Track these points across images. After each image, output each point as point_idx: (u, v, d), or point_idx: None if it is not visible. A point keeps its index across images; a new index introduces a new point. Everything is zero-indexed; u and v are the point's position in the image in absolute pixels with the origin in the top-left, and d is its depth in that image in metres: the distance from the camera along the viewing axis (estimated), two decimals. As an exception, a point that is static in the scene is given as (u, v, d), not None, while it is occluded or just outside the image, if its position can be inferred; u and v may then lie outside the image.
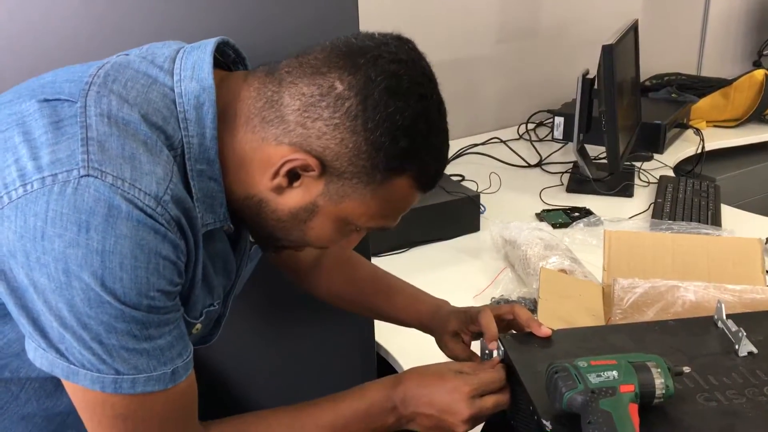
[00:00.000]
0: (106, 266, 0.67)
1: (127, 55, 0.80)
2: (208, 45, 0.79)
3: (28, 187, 0.68)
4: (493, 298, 1.41)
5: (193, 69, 0.77)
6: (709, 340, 0.93)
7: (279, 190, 0.78)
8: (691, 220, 1.73)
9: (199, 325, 0.84)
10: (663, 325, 0.96)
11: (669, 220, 1.73)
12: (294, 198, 0.78)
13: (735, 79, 2.51)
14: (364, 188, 0.77)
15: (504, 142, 2.30)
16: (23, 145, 0.70)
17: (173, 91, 0.76)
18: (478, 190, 1.84)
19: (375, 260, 1.35)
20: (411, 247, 1.63)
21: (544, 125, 2.45)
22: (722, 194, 1.92)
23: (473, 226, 1.72)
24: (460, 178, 1.94)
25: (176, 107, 0.76)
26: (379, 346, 1.33)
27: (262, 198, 0.79)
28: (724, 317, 0.94)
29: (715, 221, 1.76)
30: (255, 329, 1.21)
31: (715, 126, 2.49)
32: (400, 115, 0.74)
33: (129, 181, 0.68)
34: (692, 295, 1.12)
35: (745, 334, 0.90)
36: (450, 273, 1.54)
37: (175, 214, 0.71)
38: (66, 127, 0.70)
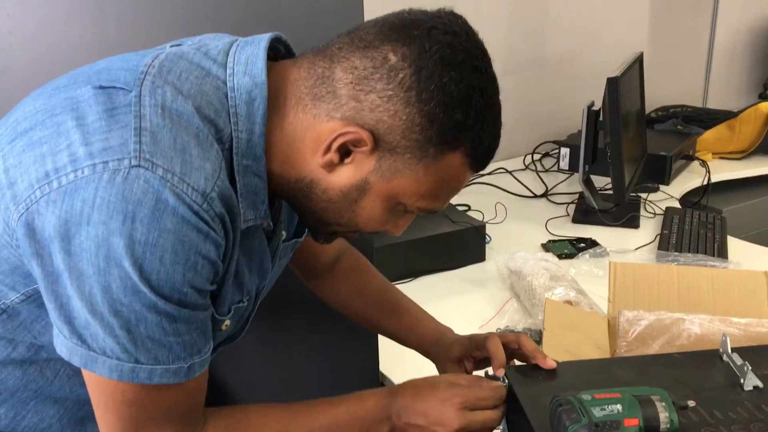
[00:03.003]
0: (147, 258, 0.68)
1: (180, 45, 0.81)
2: (262, 40, 0.80)
3: (79, 173, 0.68)
4: (499, 328, 1.41)
5: (246, 64, 0.77)
6: (714, 373, 0.92)
7: (330, 167, 0.77)
8: (697, 252, 1.73)
9: (228, 322, 0.84)
10: (668, 359, 0.96)
11: (675, 251, 1.73)
12: (345, 175, 0.78)
13: (740, 112, 2.53)
14: (417, 164, 0.76)
15: (510, 172, 2.31)
16: (76, 130, 0.71)
17: (226, 85, 0.77)
18: (484, 220, 1.85)
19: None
20: (417, 276, 1.64)
21: (550, 156, 2.46)
22: (728, 226, 1.92)
23: (479, 256, 1.72)
24: (465, 208, 1.95)
25: (228, 101, 0.76)
26: (383, 376, 1.32)
27: (312, 178, 0.79)
28: (730, 351, 0.94)
29: (722, 253, 1.75)
30: (258, 339, 1.21)
31: (721, 158, 2.49)
32: (455, 86, 0.73)
33: (179, 175, 0.69)
34: (697, 327, 1.12)
35: (750, 368, 0.89)
36: (455, 303, 1.54)
37: (220, 211, 0.72)
38: (120, 115, 0.71)
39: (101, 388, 0.74)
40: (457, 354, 1.02)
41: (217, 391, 1.15)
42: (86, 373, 0.75)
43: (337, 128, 0.75)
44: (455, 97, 0.74)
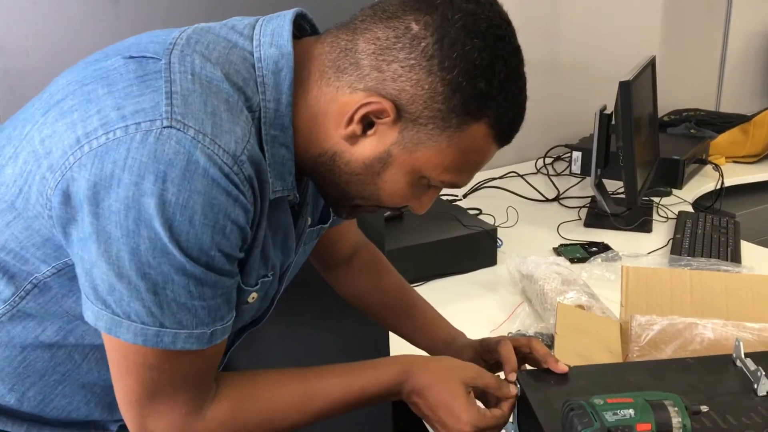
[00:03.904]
0: (177, 218, 0.69)
1: (208, 24, 0.82)
2: (287, 14, 0.81)
3: (110, 135, 0.69)
4: (510, 332, 1.40)
5: (272, 35, 0.78)
6: (727, 378, 0.92)
7: (353, 139, 0.78)
8: (710, 257, 1.72)
9: (254, 294, 0.84)
10: (681, 363, 0.96)
11: (688, 256, 1.72)
12: (368, 147, 0.78)
13: (754, 115, 2.51)
14: (440, 135, 0.76)
15: (521, 176, 2.31)
16: (107, 96, 0.72)
17: (252, 56, 0.77)
18: (495, 224, 1.85)
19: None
20: (428, 280, 1.63)
21: (562, 159, 2.46)
22: (742, 230, 1.91)
23: (490, 260, 1.72)
24: (477, 212, 1.95)
25: (255, 71, 0.77)
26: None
27: (335, 151, 0.79)
28: (743, 356, 0.93)
29: (735, 258, 1.74)
30: (274, 334, 1.22)
31: (734, 162, 2.48)
32: (478, 54, 0.73)
33: (210, 136, 0.70)
34: (710, 332, 1.11)
35: (764, 373, 0.89)
36: (467, 307, 1.54)
37: (249, 174, 0.73)
38: (151, 80, 0.72)
39: (123, 352, 0.75)
40: (469, 358, 1.02)
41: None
42: (107, 338, 0.75)
43: (359, 99, 0.75)
44: (478, 66, 0.73)
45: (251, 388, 0.85)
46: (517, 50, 0.77)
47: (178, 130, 0.69)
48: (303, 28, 0.84)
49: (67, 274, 0.77)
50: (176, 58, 0.74)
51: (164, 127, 0.69)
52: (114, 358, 0.77)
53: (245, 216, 0.73)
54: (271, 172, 0.78)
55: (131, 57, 0.75)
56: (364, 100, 0.75)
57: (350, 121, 0.76)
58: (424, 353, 1.10)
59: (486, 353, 1.00)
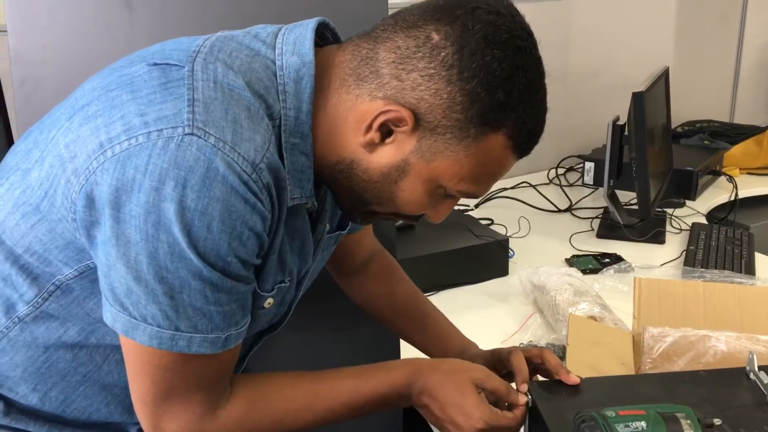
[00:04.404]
0: (195, 224, 0.69)
1: (231, 32, 0.83)
2: (310, 23, 0.81)
3: (133, 140, 0.70)
4: (522, 343, 1.40)
5: (294, 44, 0.79)
6: (740, 391, 0.91)
7: (371, 147, 0.78)
8: (724, 269, 1.70)
9: (271, 300, 0.85)
10: (693, 376, 0.95)
11: (701, 267, 1.71)
12: (386, 155, 0.78)
13: (768, 127, 2.50)
14: (458, 144, 0.76)
15: (534, 186, 2.30)
16: (131, 102, 0.73)
17: (274, 64, 0.78)
18: (507, 234, 1.84)
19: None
20: (439, 290, 1.63)
21: (575, 170, 2.45)
22: (756, 242, 1.90)
23: (502, 270, 1.71)
24: (489, 222, 1.95)
25: (276, 79, 0.78)
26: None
27: (353, 159, 0.79)
28: (756, 369, 0.92)
29: (749, 270, 1.73)
30: (287, 341, 1.22)
31: (748, 173, 2.46)
32: (498, 65, 0.73)
33: (230, 143, 0.71)
34: (724, 345, 1.10)
35: (778, 386, 0.88)
36: (478, 317, 1.53)
37: (267, 182, 0.73)
38: (174, 88, 0.73)
39: (139, 353, 0.76)
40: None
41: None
42: (124, 340, 0.76)
43: (378, 107, 0.76)
44: (498, 77, 0.74)
45: (264, 388, 0.85)
46: (537, 62, 0.77)
47: (199, 137, 0.70)
48: (325, 37, 0.85)
49: (88, 276, 0.78)
50: (199, 65, 0.75)
51: (185, 135, 0.70)
52: (130, 359, 0.78)
53: (263, 223, 0.74)
54: (290, 179, 0.78)
55: (155, 64, 0.76)
56: (383, 108, 0.76)
57: (369, 128, 0.77)
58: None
59: (498, 363, 1.00)
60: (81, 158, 0.73)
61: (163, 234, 0.70)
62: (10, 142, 1.23)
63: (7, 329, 0.82)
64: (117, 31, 1.03)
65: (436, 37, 0.74)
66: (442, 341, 1.10)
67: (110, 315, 0.75)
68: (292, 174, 0.78)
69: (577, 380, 0.92)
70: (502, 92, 0.74)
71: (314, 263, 0.94)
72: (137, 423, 0.90)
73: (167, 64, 0.76)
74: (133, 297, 0.73)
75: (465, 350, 1.07)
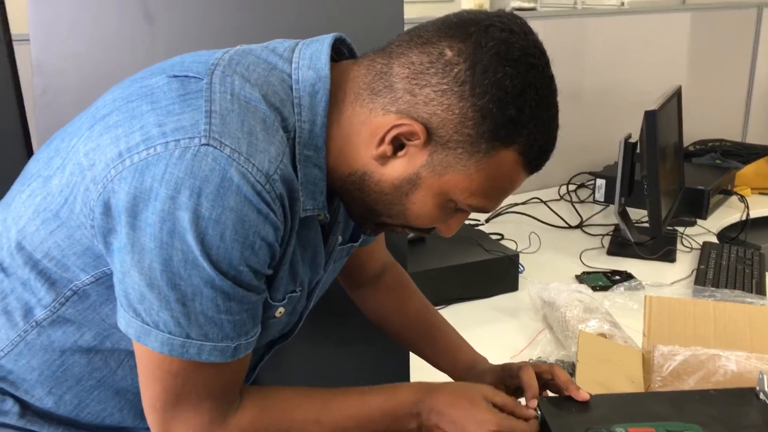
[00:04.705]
0: (209, 233, 0.71)
1: (249, 46, 0.84)
2: (326, 39, 0.83)
3: (151, 150, 0.72)
4: (531, 359, 1.40)
5: (310, 59, 0.80)
6: (750, 411, 0.91)
7: (383, 159, 0.79)
8: (734, 288, 1.70)
9: (282, 309, 0.86)
10: (703, 395, 0.95)
11: (712, 287, 1.70)
12: (397, 168, 0.79)
13: (781, 147, 2.50)
14: (469, 159, 0.77)
15: (545, 202, 2.31)
16: (151, 113, 0.74)
17: (291, 78, 0.80)
18: (518, 250, 1.85)
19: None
20: (449, 303, 1.64)
21: (586, 187, 2.46)
22: (767, 262, 1.89)
23: (511, 285, 1.72)
24: (499, 237, 1.95)
25: (292, 93, 0.79)
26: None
27: (366, 171, 0.80)
28: (766, 389, 0.92)
29: (760, 290, 1.73)
30: (297, 352, 1.22)
31: (760, 193, 2.46)
32: (510, 81, 0.74)
33: (245, 155, 0.72)
34: (734, 365, 1.10)
35: (788, 407, 0.88)
36: (487, 332, 1.53)
37: (280, 192, 0.74)
38: (192, 99, 0.75)
39: (151, 359, 0.77)
40: (490, 382, 1.02)
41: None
42: (137, 345, 0.77)
43: (391, 121, 0.77)
44: (509, 93, 0.74)
45: (273, 400, 0.86)
46: (550, 79, 0.78)
47: (215, 148, 0.71)
48: (341, 52, 0.87)
49: (105, 282, 0.79)
50: (217, 78, 0.76)
51: (202, 145, 0.71)
52: (142, 364, 0.79)
53: (275, 234, 0.75)
54: (303, 191, 0.79)
55: (175, 76, 0.77)
56: (395, 121, 0.77)
57: (381, 141, 0.78)
58: (445, 376, 1.11)
59: (508, 378, 1.00)
60: (100, 166, 0.74)
61: (177, 242, 0.71)
62: (28, 149, 1.24)
63: (24, 333, 0.83)
64: (137, 43, 1.05)
65: (449, 53, 0.75)
66: (452, 355, 1.11)
67: (124, 321, 0.76)
68: (305, 186, 0.80)
69: (587, 396, 0.92)
70: (514, 109, 0.75)
71: (326, 274, 0.94)
72: (149, 429, 0.91)
73: (186, 76, 0.77)
74: (146, 303, 0.74)
75: (475, 365, 1.08)
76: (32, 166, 0.85)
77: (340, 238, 0.94)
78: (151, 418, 0.81)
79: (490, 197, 0.81)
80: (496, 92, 0.74)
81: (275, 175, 0.73)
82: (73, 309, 0.82)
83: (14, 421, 0.86)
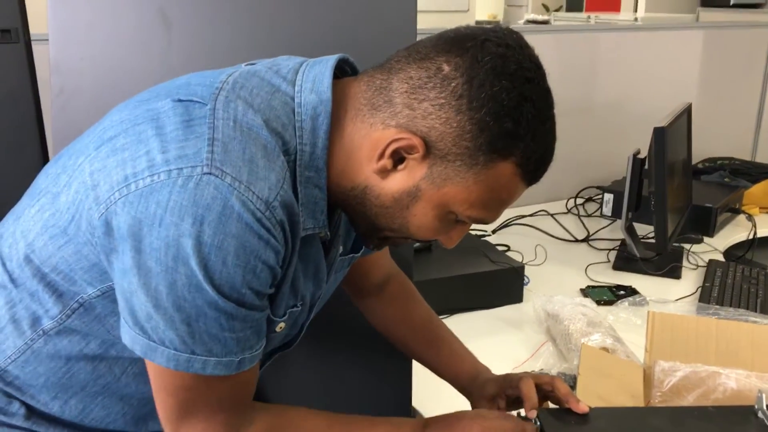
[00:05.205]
0: (212, 259, 0.72)
1: (254, 64, 0.86)
2: (330, 61, 0.85)
3: (155, 177, 0.73)
4: (533, 370, 1.40)
5: (313, 82, 0.82)
6: (748, 429, 0.92)
7: (384, 173, 0.81)
8: (738, 306, 1.70)
9: (282, 324, 0.88)
10: (701, 411, 0.96)
11: (716, 304, 1.71)
12: (398, 182, 0.81)
13: (790, 167, 2.50)
14: (467, 171, 0.78)
15: (552, 215, 2.32)
16: (155, 138, 0.76)
17: (293, 101, 0.81)
18: (523, 262, 1.85)
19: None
20: (453, 313, 1.64)
21: (593, 201, 2.46)
22: (773, 282, 1.89)
23: (516, 297, 1.72)
24: (505, 249, 1.96)
25: (294, 116, 0.81)
26: (415, 411, 1.33)
27: (367, 185, 0.82)
28: (765, 407, 0.93)
29: (764, 309, 1.72)
30: (300, 364, 1.24)
31: (768, 213, 2.46)
32: (506, 95, 0.75)
33: (245, 183, 0.74)
34: (734, 383, 1.11)
35: (786, 426, 0.89)
36: (490, 342, 1.54)
37: (281, 219, 0.76)
38: (195, 126, 0.76)
39: (161, 374, 0.79)
40: (492, 392, 1.03)
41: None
42: (147, 362, 0.80)
43: (391, 135, 0.78)
44: (506, 106, 0.76)
45: (284, 418, 0.88)
46: (546, 92, 0.80)
47: (216, 176, 0.73)
48: (344, 70, 0.88)
49: (110, 296, 0.81)
50: (221, 104, 0.78)
51: (204, 174, 0.73)
52: (154, 380, 0.81)
53: (275, 257, 0.77)
54: (304, 210, 0.81)
55: (180, 100, 0.79)
56: (395, 135, 0.78)
57: (381, 155, 0.80)
58: (447, 391, 1.12)
59: (509, 389, 1.02)
60: (104, 188, 0.76)
61: (181, 266, 0.73)
62: (44, 148, 1.26)
63: (32, 341, 0.85)
64: (154, 47, 1.07)
65: (446, 68, 0.77)
66: (455, 365, 1.12)
67: (129, 337, 0.78)
68: (305, 206, 0.82)
69: (586, 409, 0.93)
70: (511, 121, 0.76)
71: (327, 285, 0.96)
72: (151, 431, 0.93)
73: (191, 101, 0.79)
74: (152, 322, 0.76)
75: (478, 375, 1.09)
76: (41, 181, 0.87)
77: (341, 248, 0.96)
78: (168, 430, 0.82)
79: (490, 209, 0.83)
80: (492, 105, 0.76)
81: (275, 201, 0.75)
82: (79, 320, 0.83)
83: (20, 423, 0.88)
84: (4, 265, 0.85)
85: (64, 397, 0.88)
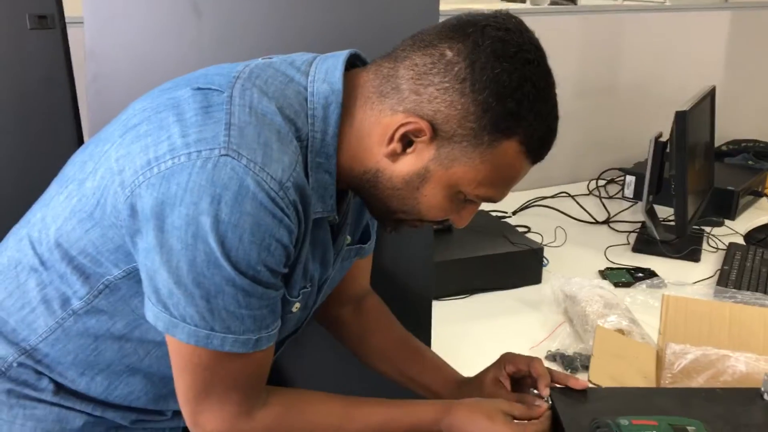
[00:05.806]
0: (229, 236, 0.77)
1: (271, 58, 0.91)
2: (342, 54, 0.89)
3: (176, 159, 0.78)
4: (549, 351, 1.44)
5: (326, 73, 0.87)
6: (754, 411, 0.94)
7: (394, 156, 0.85)
8: (756, 290, 1.71)
9: (297, 304, 0.92)
10: (709, 392, 0.99)
11: (734, 288, 1.72)
12: (407, 164, 0.85)
13: (815, 150, 2.48)
14: (473, 151, 0.82)
15: (573, 196, 2.32)
16: (176, 124, 0.81)
17: (306, 90, 0.86)
18: (543, 243, 1.88)
19: (436, 304, 1.40)
20: (472, 293, 1.68)
21: (615, 183, 2.47)
22: (792, 266, 1.90)
23: (535, 278, 1.75)
24: (525, 230, 1.98)
25: (307, 104, 0.85)
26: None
27: (378, 168, 0.87)
28: (772, 390, 0.96)
29: (782, 293, 1.74)
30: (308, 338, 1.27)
31: (791, 196, 2.45)
32: (507, 76, 0.80)
33: (260, 164, 0.78)
34: (743, 365, 1.14)
35: (790, 408, 0.91)
36: (508, 322, 1.57)
37: (293, 199, 0.80)
38: (214, 112, 0.81)
39: (181, 351, 0.84)
40: (493, 376, 1.06)
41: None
42: (168, 339, 0.84)
43: (399, 120, 0.83)
44: (507, 87, 0.80)
45: (298, 400, 0.93)
46: (546, 73, 0.83)
47: (233, 158, 0.77)
48: (355, 64, 0.92)
49: (135, 277, 0.86)
50: (237, 91, 0.83)
51: (221, 155, 0.77)
52: (174, 357, 0.86)
53: (289, 236, 0.81)
54: (314, 194, 0.86)
55: (199, 89, 0.84)
56: (403, 120, 0.83)
57: (391, 139, 0.84)
58: (462, 363, 1.15)
59: (507, 365, 1.04)
60: (129, 172, 0.81)
61: (200, 244, 0.77)
62: (79, 132, 1.31)
63: (62, 320, 0.91)
64: (185, 36, 1.10)
65: (449, 53, 0.81)
66: (441, 372, 1.12)
67: (152, 314, 0.83)
68: (316, 190, 0.86)
69: (586, 384, 0.97)
70: (513, 101, 0.80)
71: (334, 272, 1.00)
72: (171, 409, 0.99)
73: (209, 89, 0.83)
74: (174, 299, 0.80)
75: (466, 378, 1.10)
76: (69, 169, 0.92)
77: (348, 238, 1.00)
78: (185, 409, 0.88)
79: (497, 187, 0.87)
80: (494, 87, 0.80)
81: (288, 182, 0.79)
82: (106, 301, 0.89)
83: (49, 398, 0.94)
84: (34, 249, 0.90)
85: (90, 374, 0.94)
